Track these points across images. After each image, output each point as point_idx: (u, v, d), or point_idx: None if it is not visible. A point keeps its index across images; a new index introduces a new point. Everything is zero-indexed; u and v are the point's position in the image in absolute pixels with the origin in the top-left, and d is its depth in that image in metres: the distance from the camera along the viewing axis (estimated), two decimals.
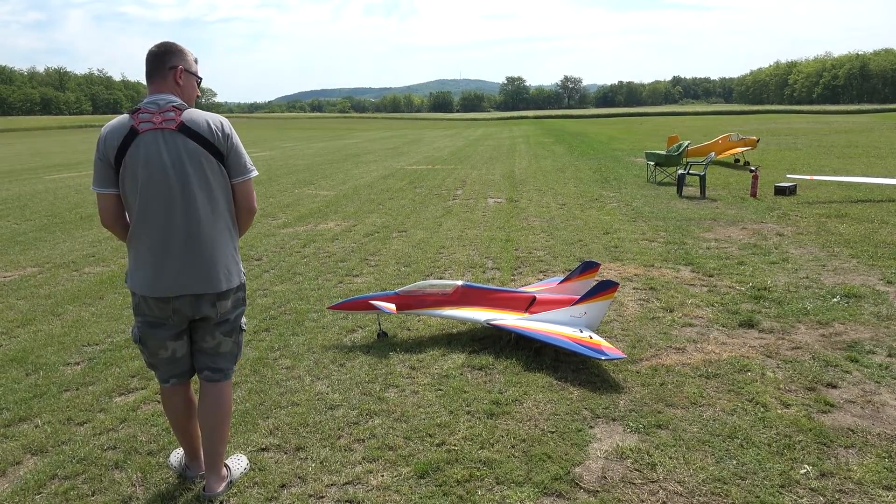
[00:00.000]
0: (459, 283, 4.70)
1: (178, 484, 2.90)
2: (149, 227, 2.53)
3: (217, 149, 2.56)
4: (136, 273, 2.60)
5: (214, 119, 2.59)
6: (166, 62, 2.57)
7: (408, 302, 4.60)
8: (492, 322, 4.38)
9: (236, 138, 2.66)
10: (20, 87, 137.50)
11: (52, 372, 4.19)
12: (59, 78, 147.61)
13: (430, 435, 3.26)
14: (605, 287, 4.29)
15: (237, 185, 2.66)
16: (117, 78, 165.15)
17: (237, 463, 2.99)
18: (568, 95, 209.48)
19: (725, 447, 3.09)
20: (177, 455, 3.04)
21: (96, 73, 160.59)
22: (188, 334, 2.75)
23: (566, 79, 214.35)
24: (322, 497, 2.79)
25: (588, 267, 4.83)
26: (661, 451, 3.07)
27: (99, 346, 4.65)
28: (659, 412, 3.44)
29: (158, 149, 2.48)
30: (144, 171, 2.47)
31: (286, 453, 3.13)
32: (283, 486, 2.87)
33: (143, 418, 3.51)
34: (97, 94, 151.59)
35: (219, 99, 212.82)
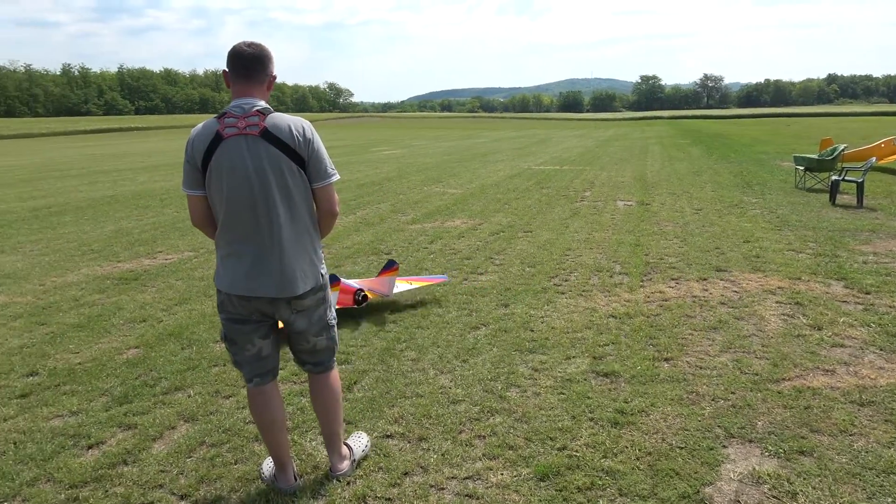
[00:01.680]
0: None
1: (311, 462, 3.07)
2: (232, 229, 2.60)
3: (298, 154, 2.57)
4: (222, 272, 2.68)
5: (296, 124, 2.60)
6: (266, 68, 2.61)
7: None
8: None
9: (318, 143, 2.64)
10: (182, 88, 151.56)
11: (203, 348, 4.59)
12: (216, 79, 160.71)
13: (551, 438, 3.22)
14: (391, 266, 5.38)
15: (318, 190, 2.67)
16: None
17: (358, 441, 3.11)
18: (707, 94, 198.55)
19: (880, 483, 2.80)
20: (269, 465, 2.98)
21: None
22: (275, 335, 2.82)
23: (706, 77, 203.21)
24: (443, 489, 2.84)
25: (391, 265, 5.39)
26: (804, 479, 2.84)
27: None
28: (802, 437, 3.18)
29: (242, 154, 2.52)
30: (229, 175, 2.53)
31: (409, 442, 3.23)
32: (405, 473, 2.95)
33: (283, 396, 3.74)
34: None
35: (355, 99, 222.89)
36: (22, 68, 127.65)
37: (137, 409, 3.63)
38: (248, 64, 2.57)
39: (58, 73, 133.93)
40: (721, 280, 6.05)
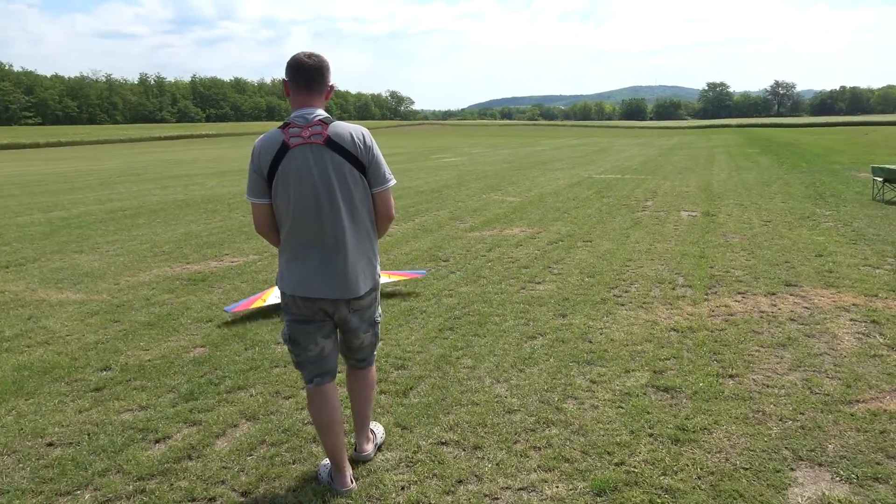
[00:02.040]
0: None
1: (365, 464, 3.10)
2: (298, 234, 2.70)
3: (359, 160, 2.68)
4: (287, 275, 2.77)
5: (357, 132, 2.70)
6: (326, 79, 2.70)
7: None
8: None
9: (377, 149, 2.75)
10: (251, 96, 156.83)
11: (265, 349, 4.71)
12: (283, 88, 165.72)
13: (608, 453, 3.16)
14: None
15: (377, 194, 2.78)
16: None
17: (377, 429, 3.30)
18: (778, 102, 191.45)
19: None
20: (325, 466, 3.02)
21: None
22: (336, 334, 2.93)
23: (777, 84, 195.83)
24: (497, 498, 2.82)
25: None
26: None
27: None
28: (878, 463, 3.02)
29: (307, 163, 2.63)
30: (295, 183, 2.64)
31: (464, 450, 3.22)
32: (460, 481, 2.95)
33: (339, 399, 3.81)
34: None
35: (416, 107, 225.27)
36: (103, 78, 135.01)
37: (202, 407, 3.76)
38: (309, 75, 2.66)
39: (135, 83, 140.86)
40: (791, 295, 5.81)
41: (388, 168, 2.82)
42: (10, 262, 7.90)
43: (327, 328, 2.85)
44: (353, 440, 3.23)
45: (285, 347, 4.65)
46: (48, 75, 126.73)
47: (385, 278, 5.91)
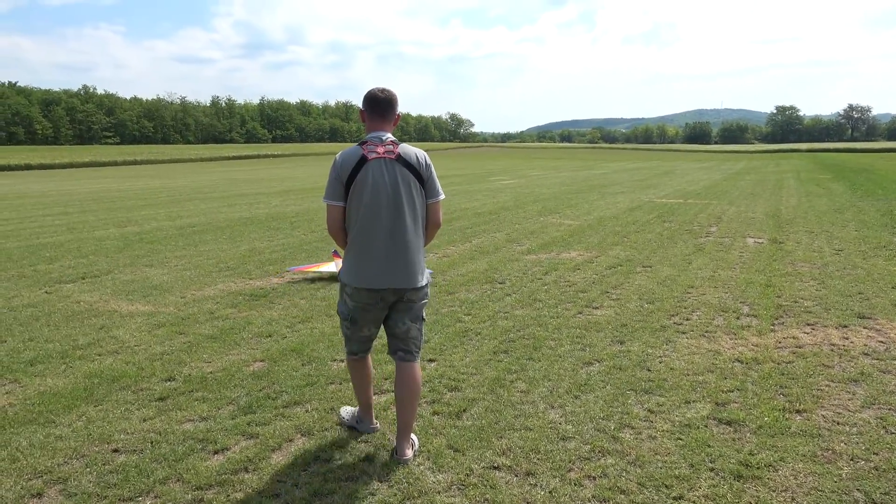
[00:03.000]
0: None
1: (417, 484, 3.10)
2: (369, 233, 3.24)
3: (420, 175, 3.29)
4: (356, 270, 3.29)
5: (420, 153, 3.34)
6: (395, 110, 3.35)
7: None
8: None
9: (433, 169, 3.39)
10: (315, 118, 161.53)
11: (321, 365, 4.79)
12: (346, 110, 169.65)
13: (666, 486, 3.06)
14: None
15: (430, 205, 3.39)
16: None
17: (416, 439, 3.50)
18: (852, 126, 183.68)
19: None
20: (347, 411, 3.78)
21: None
22: (382, 323, 3.43)
23: (850, 107, 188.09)
24: None
25: None
26: None
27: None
28: None
29: (382, 173, 3.22)
30: (371, 189, 3.21)
31: (517, 476, 3.18)
32: None
33: (392, 419, 3.82)
34: None
35: (475, 129, 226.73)
36: (178, 100, 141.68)
37: (260, 420, 3.84)
38: (385, 104, 3.32)
39: (207, 105, 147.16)
40: (864, 328, 5.53)
41: (440, 185, 3.43)
42: (87, 273, 8.32)
43: (381, 316, 3.39)
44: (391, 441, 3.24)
45: (341, 365, 4.72)
46: (127, 97, 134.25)
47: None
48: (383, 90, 3.31)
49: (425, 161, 3.32)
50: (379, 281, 3.24)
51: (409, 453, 3.35)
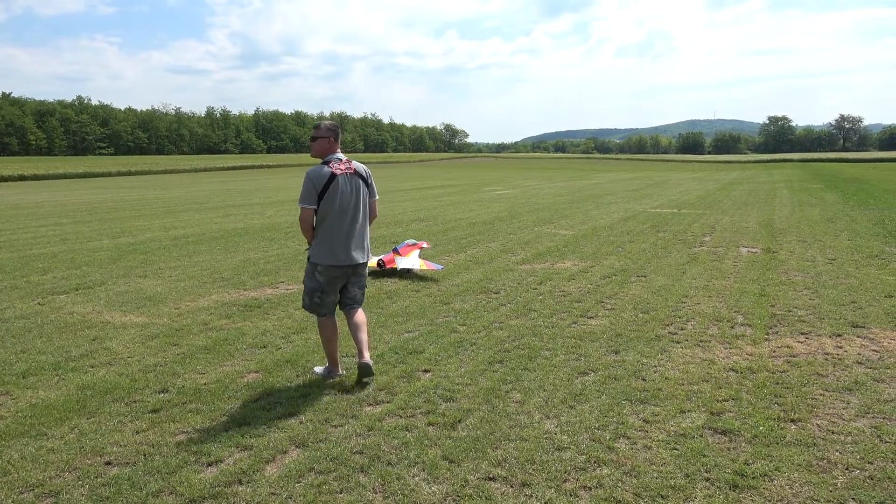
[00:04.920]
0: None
1: (412, 495, 3.08)
2: (337, 228, 4.50)
3: (367, 182, 4.69)
4: (325, 252, 4.50)
5: (365, 167, 4.70)
6: (340, 135, 4.64)
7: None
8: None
9: (373, 177, 4.80)
10: (310, 129, 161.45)
11: (316, 377, 4.76)
12: (341, 121, 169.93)
13: (661, 496, 3.05)
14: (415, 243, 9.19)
15: (372, 202, 4.74)
16: (385, 121, 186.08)
17: (369, 358, 4.62)
18: (844, 136, 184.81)
19: None
20: (318, 369, 4.81)
21: (369, 116, 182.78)
22: (341, 291, 4.68)
23: (842, 118, 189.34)
24: None
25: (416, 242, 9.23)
26: None
27: (356, 359, 5.17)
28: None
29: (347, 184, 4.53)
30: (339, 197, 4.48)
31: (512, 486, 3.17)
32: None
33: (388, 429, 3.81)
34: (368, 134, 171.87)
35: (470, 139, 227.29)
36: (173, 111, 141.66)
37: (254, 432, 3.82)
38: (338, 131, 4.66)
39: (202, 116, 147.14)
40: (858, 337, 5.55)
41: (377, 188, 4.87)
42: (80, 284, 8.28)
43: (341, 285, 4.65)
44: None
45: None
46: (122, 108, 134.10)
47: (417, 265, 8.45)
48: (331, 121, 4.67)
49: (368, 172, 4.74)
50: (344, 259, 4.53)
51: (368, 357, 4.53)
